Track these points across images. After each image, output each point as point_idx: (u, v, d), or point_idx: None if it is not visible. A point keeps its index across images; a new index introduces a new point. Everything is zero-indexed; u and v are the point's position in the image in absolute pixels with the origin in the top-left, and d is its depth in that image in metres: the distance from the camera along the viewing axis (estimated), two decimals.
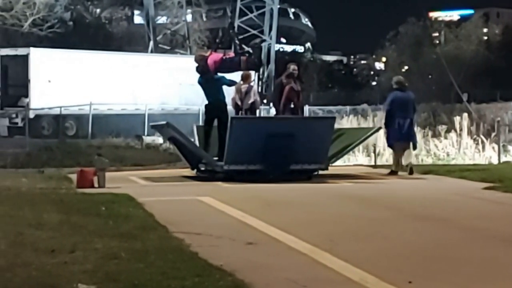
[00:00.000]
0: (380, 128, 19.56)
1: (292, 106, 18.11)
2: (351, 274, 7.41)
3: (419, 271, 7.63)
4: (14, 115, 35.67)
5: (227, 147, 16.08)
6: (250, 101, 18.19)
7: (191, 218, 10.90)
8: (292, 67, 18.36)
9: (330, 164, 17.63)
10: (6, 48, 38.64)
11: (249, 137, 15.98)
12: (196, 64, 17.14)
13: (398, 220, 11.01)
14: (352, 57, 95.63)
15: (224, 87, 17.28)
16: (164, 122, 17.96)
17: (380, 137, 26.15)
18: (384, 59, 75.01)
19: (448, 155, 25.22)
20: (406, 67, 66.73)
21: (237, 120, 16.72)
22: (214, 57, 17.14)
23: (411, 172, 17.94)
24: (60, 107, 33.75)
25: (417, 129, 23.39)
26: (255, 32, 46.38)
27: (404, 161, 18.20)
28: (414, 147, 18.89)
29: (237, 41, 18.25)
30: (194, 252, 8.21)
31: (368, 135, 19.06)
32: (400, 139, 18.13)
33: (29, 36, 42.41)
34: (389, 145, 18.88)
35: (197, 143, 17.84)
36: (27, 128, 28.93)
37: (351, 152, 24.11)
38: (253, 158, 16.10)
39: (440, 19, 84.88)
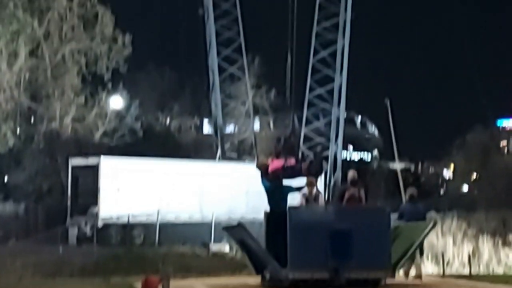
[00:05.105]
0: (436, 223, 19.39)
1: None
2: None
3: None
4: (83, 224, 36.07)
5: (289, 243, 15.99)
6: None
7: None
8: (351, 173, 18.37)
9: (396, 270, 17.29)
10: (77, 157, 39.45)
11: (308, 229, 15.96)
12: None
13: None
14: (420, 164, 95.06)
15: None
16: (236, 224, 18.07)
17: (449, 246, 25.83)
18: (452, 167, 74.43)
19: None
20: (474, 175, 65.98)
21: (294, 209, 16.73)
22: (276, 164, 17.23)
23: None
24: (128, 215, 34.05)
25: (485, 237, 23.11)
26: (322, 139, 46.57)
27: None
28: (421, 253, 19.13)
29: (298, 149, 18.32)
30: None
31: (427, 233, 18.75)
32: None
33: (100, 145, 43.30)
34: None
35: (264, 232, 17.72)
36: (95, 237, 29.21)
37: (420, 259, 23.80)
38: (316, 257, 15.91)
39: (508, 127, 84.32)
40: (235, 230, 18.03)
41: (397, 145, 33.79)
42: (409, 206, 19.32)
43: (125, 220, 34.30)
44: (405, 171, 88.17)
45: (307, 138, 45.34)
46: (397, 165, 45.44)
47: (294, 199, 18.00)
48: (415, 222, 18.33)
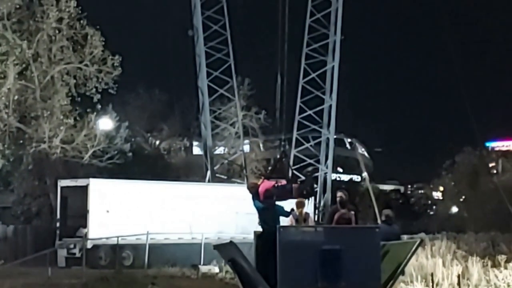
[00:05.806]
0: (422, 241, 19.36)
1: None
2: None
3: None
4: (72, 246, 35.93)
5: (279, 263, 15.94)
6: None
7: None
8: (339, 194, 18.38)
9: None
10: (67, 179, 39.31)
11: (298, 249, 15.92)
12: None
13: None
14: (409, 186, 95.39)
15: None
16: (227, 241, 17.99)
17: (439, 267, 25.80)
18: (441, 188, 74.72)
19: (509, 286, 24.63)
20: (463, 197, 66.17)
21: (284, 229, 16.68)
22: (266, 185, 17.20)
23: None
24: (118, 237, 33.98)
25: (474, 258, 23.08)
26: (311, 161, 46.62)
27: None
28: (402, 274, 19.05)
29: (289, 171, 18.33)
30: None
31: (414, 250, 18.74)
32: None
33: (89, 167, 43.23)
34: None
35: (253, 253, 17.68)
36: (84, 259, 29.08)
37: (408, 282, 23.80)
38: (306, 277, 15.85)
39: (497, 149, 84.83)
40: (226, 248, 17.98)
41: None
42: (384, 227, 19.33)
43: (114, 241, 34.20)
44: (394, 192, 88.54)
45: (297, 160, 45.32)
46: (369, 186, 46.41)
47: (283, 220, 17.98)
48: (402, 241, 18.31)
